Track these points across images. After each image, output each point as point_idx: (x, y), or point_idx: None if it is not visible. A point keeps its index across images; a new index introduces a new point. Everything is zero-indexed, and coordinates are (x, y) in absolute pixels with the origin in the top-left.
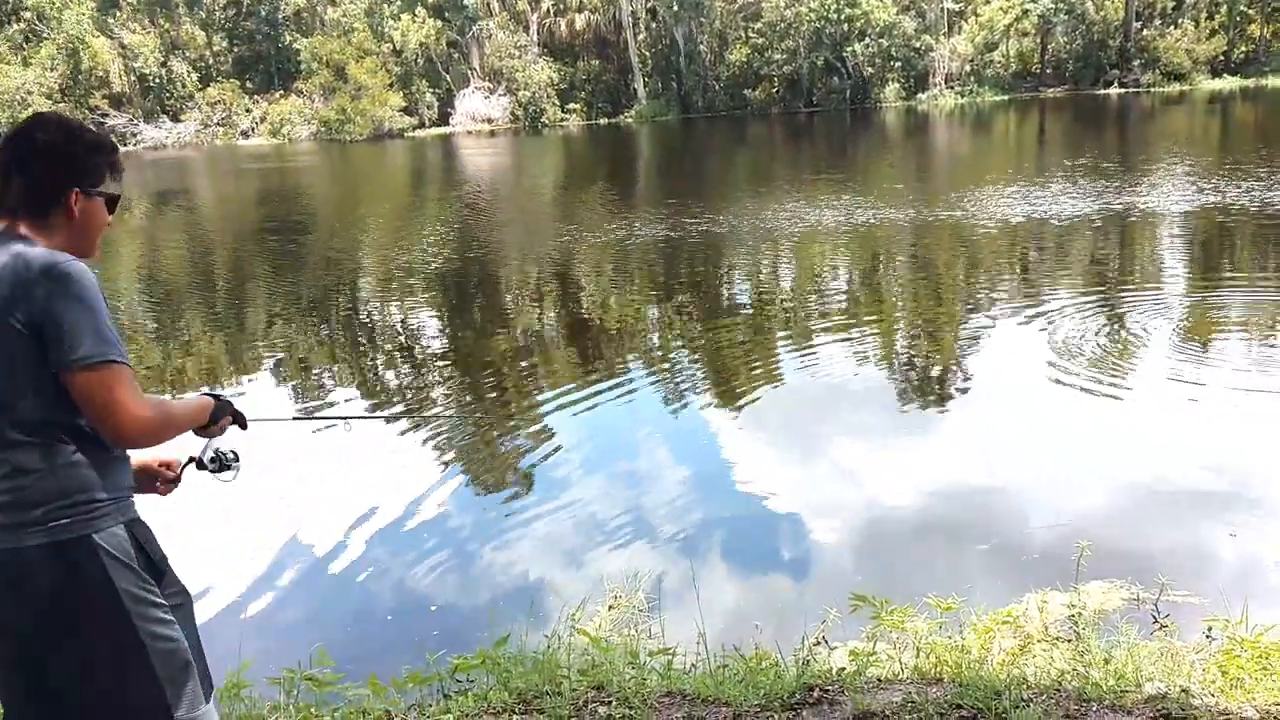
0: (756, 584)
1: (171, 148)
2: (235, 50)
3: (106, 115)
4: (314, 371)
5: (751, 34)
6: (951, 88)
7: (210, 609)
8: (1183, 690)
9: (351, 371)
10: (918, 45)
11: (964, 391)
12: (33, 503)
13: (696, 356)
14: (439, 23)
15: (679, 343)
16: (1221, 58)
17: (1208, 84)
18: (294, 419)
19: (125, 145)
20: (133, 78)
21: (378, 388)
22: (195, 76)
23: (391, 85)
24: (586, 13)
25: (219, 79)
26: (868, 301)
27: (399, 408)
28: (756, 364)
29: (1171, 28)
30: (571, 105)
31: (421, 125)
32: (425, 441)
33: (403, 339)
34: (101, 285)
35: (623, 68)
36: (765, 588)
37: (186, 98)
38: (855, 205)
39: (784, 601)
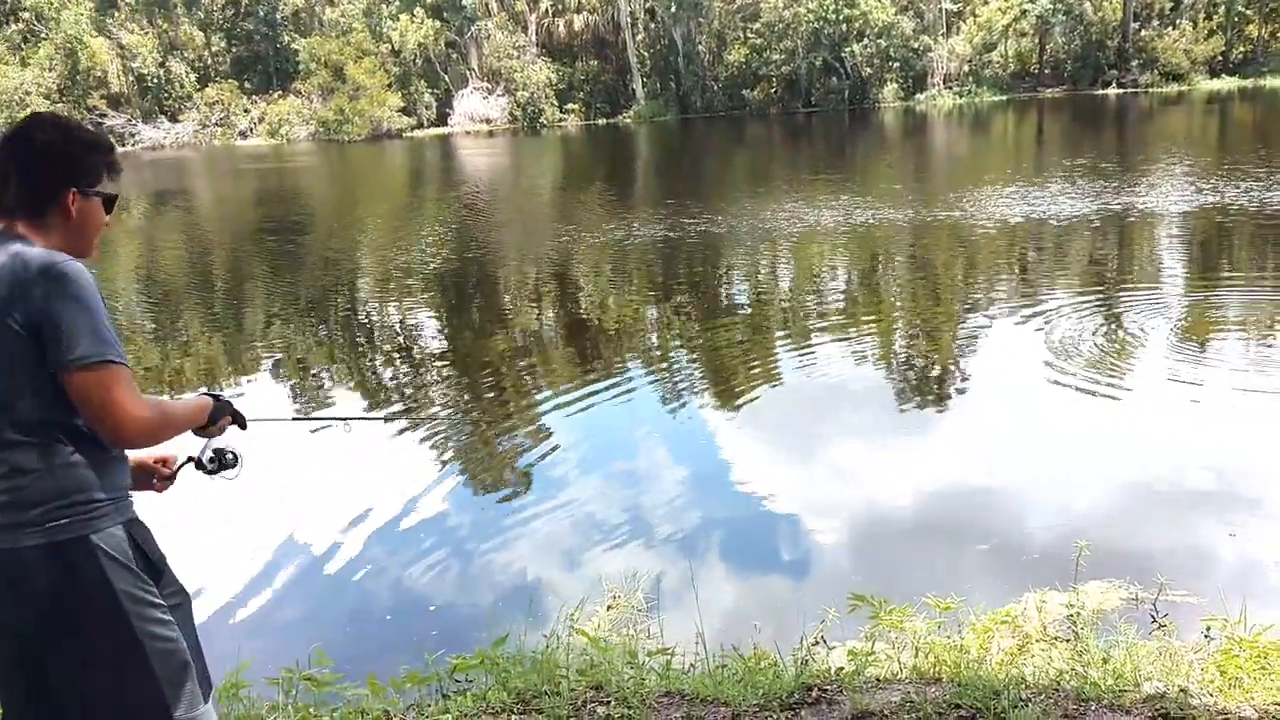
0: (755, 584)
1: (169, 148)
2: (233, 50)
3: (105, 115)
4: (312, 372)
5: (750, 34)
6: (950, 88)
7: (209, 609)
8: (1181, 690)
9: (350, 371)
10: (916, 46)
11: (962, 391)
12: (31, 503)
13: (695, 356)
14: (437, 23)
15: (677, 343)
16: (1219, 58)
17: (1206, 84)
18: (293, 419)
19: (123, 145)
20: (131, 78)
21: (376, 388)
22: (193, 77)
23: (390, 85)
24: (585, 13)
25: (217, 79)
26: (866, 302)
27: (398, 408)
28: (755, 364)
29: (1169, 28)
30: (570, 105)
31: (420, 125)
32: (424, 441)
33: (401, 339)
34: (99, 285)
35: (621, 68)
36: (764, 588)
37: (185, 98)
38: (854, 205)
39: (782, 601)
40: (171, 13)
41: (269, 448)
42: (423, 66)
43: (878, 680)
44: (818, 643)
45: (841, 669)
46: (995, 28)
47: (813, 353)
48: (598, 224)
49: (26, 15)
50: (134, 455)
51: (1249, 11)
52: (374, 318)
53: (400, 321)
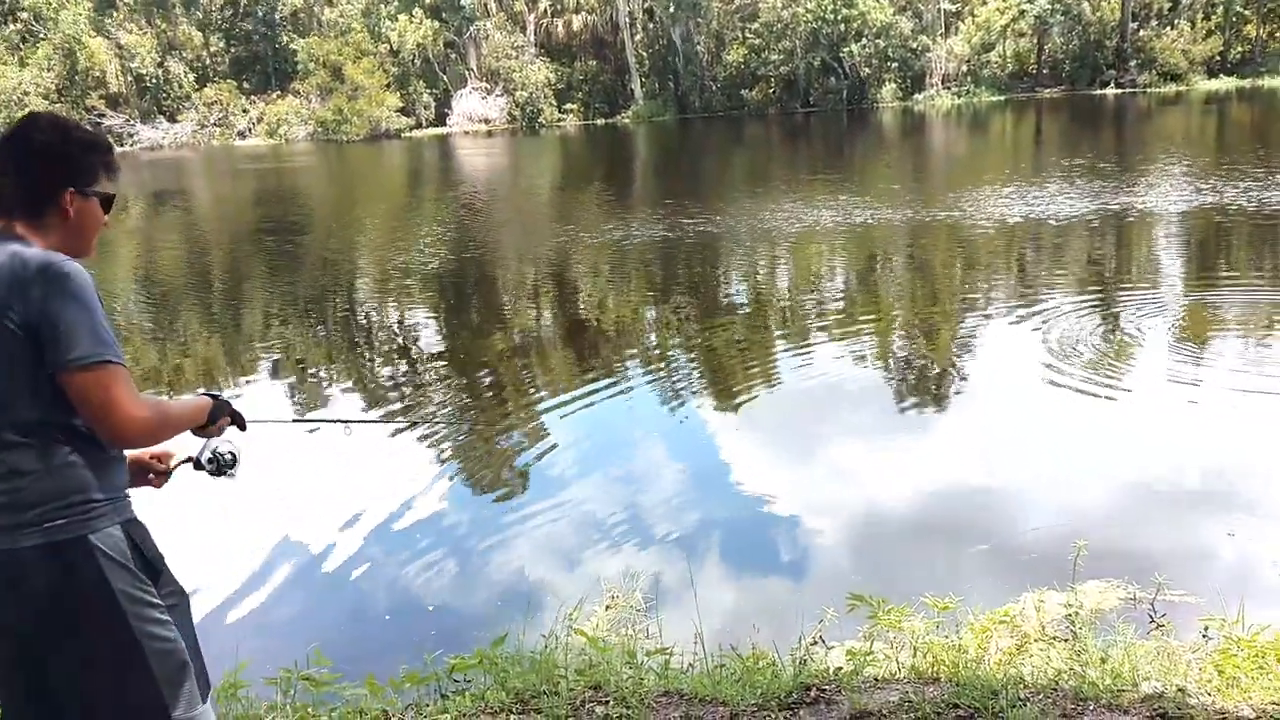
0: (754, 584)
1: (168, 148)
2: (232, 50)
3: (103, 116)
4: (311, 372)
5: (748, 34)
6: (948, 88)
7: (207, 609)
8: (1179, 689)
9: (348, 371)
10: (914, 46)
11: (961, 392)
12: (29, 504)
13: (694, 356)
14: (436, 23)
15: (676, 343)
16: (1218, 58)
17: (1204, 84)
18: (293, 421)
19: (122, 145)
20: (129, 78)
21: (374, 387)
22: (192, 77)
23: (388, 86)
24: (584, 13)
25: (216, 79)
26: (864, 302)
27: (398, 409)
28: (753, 364)
29: (1168, 28)
30: (569, 106)
31: (418, 126)
32: (422, 440)
33: (400, 339)
34: (98, 286)
35: (620, 68)
36: (762, 587)
37: (183, 98)
38: (852, 205)
39: (781, 601)
40: (170, 13)
41: (267, 447)
42: (421, 67)
43: (876, 680)
44: (816, 642)
45: (840, 669)
46: (993, 28)
47: (811, 352)
48: (596, 224)
49: (25, 15)
50: (130, 451)
51: (1247, 11)
52: (372, 318)
53: (399, 321)
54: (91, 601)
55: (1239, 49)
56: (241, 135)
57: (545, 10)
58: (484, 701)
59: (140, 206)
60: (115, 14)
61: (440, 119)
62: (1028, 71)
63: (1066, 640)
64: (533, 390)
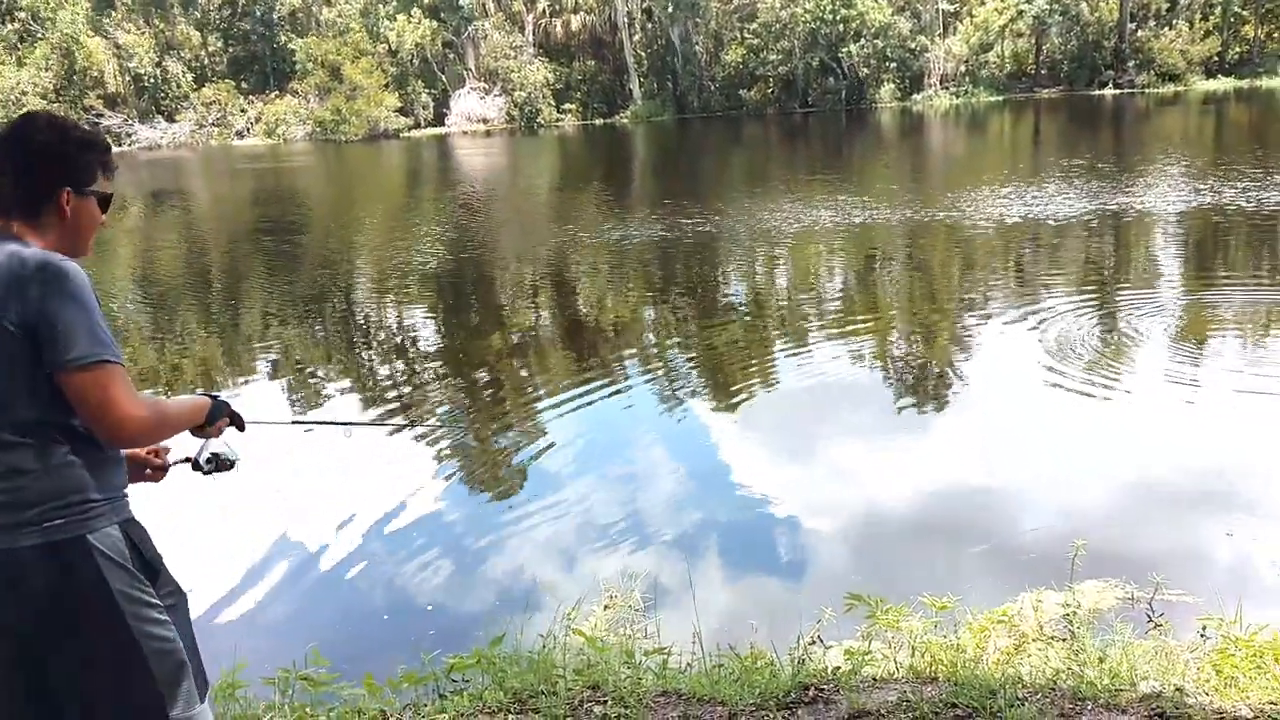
0: (752, 583)
1: (166, 148)
2: (230, 50)
3: (101, 115)
4: (310, 372)
5: (747, 34)
6: (946, 88)
7: (206, 608)
8: (1177, 689)
9: (347, 371)
10: (913, 46)
11: (959, 392)
12: (27, 503)
13: (692, 356)
14: (434, 23)
15: (675, 343)
16: (1216, 58)
17: (1202, 85)
18: (292, 423)
19: (120, 145)
20: (127, 78)
21: (373, 387)
22: (190, 77)
23: (387, 86)
24: (582, 13)
25: (214, 79)
26: (863, 302)
27: (396, 411)
28: (752, 364)
29: (1166, 29)
30: (567, 106)
31: (417, 126)
32: (421, 440)
33: (398, 339)
34: (95, 285)
35: (618, 68)
36: (761, 587)
37: (181, 98)
38: (851, 206)
39: (779, 601)
40: (168, 12)
41: (266, 447)
42: (420, 66)
43: (874, 679)
44: (814, 642)
45: (838, 668)
46: (992, 28)
47: (809, 353)
48: (595, 224)
49: (22, 15)
50: None
51: (1245, 12)
52: (370, 318)
53: (397, 321)
54: (90, 601)
55: (1237, 49)
56: (239, 135)
57: (544, 10)
58: (482, 701)
59: (138, 206)
60: (113, 14)
61: (439, 119)
62: (1026, 72)
63: (1064, 640)
64: (531, 390)
